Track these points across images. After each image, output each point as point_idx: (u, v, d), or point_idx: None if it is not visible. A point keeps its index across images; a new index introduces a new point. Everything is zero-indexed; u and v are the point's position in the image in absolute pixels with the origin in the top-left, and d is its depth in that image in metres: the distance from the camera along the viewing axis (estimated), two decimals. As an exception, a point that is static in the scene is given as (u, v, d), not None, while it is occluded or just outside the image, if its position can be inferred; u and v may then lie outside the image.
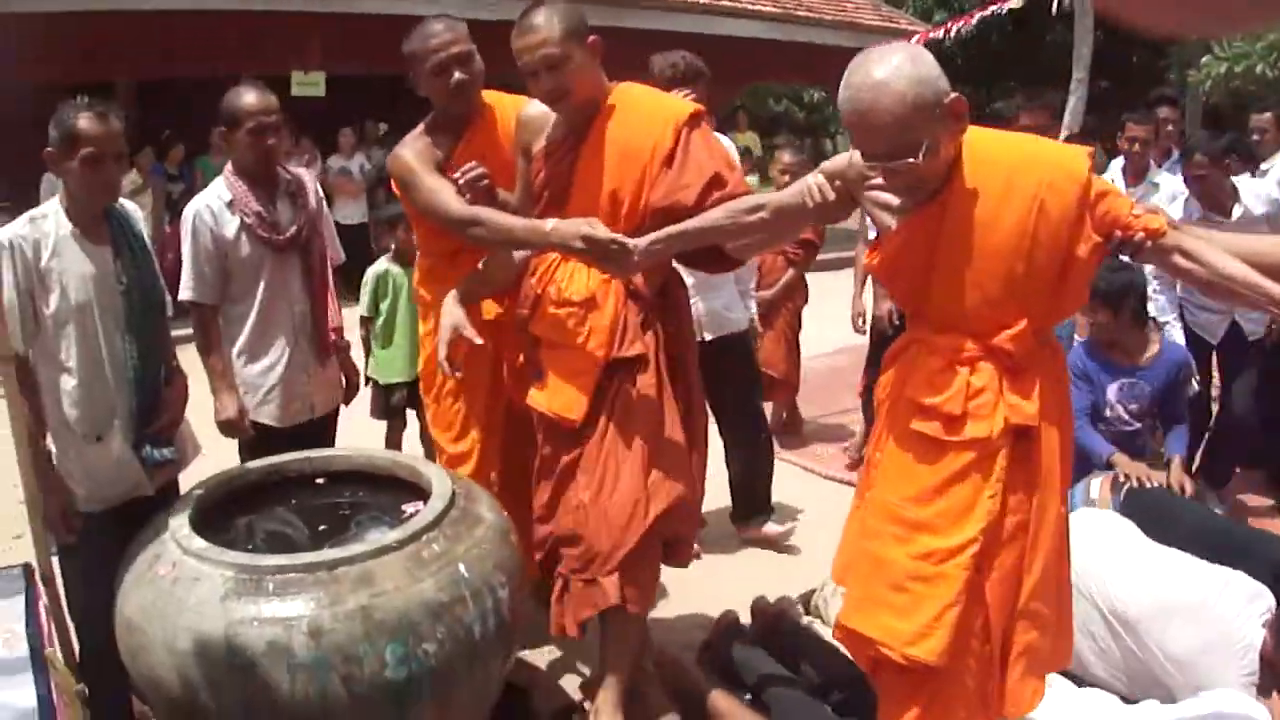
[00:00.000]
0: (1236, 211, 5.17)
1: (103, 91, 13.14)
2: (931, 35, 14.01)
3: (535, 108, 3.36)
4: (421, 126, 3.71)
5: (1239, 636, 3.30)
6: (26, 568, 2.88)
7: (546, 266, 3.34)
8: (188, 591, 2.71)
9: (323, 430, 4.04)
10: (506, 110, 3.68)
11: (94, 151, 3.06)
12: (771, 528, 5.16)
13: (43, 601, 2.82)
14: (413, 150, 3.60)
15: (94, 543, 3.18)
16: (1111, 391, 4.83)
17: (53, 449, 3.21)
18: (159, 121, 12.37)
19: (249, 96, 3.69)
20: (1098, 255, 2.50)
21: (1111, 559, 3.58)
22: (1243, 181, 5.37)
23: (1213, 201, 5.22)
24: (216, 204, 3.73)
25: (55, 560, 3.17)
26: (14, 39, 10.26)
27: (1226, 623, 3.32)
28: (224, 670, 2.60)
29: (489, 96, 3.73)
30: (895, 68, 2.34)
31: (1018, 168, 2.49)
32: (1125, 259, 2.70)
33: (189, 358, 3.63)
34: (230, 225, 3.71)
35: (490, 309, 3.69)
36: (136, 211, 3.45)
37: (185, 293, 3.73)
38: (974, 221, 2.50)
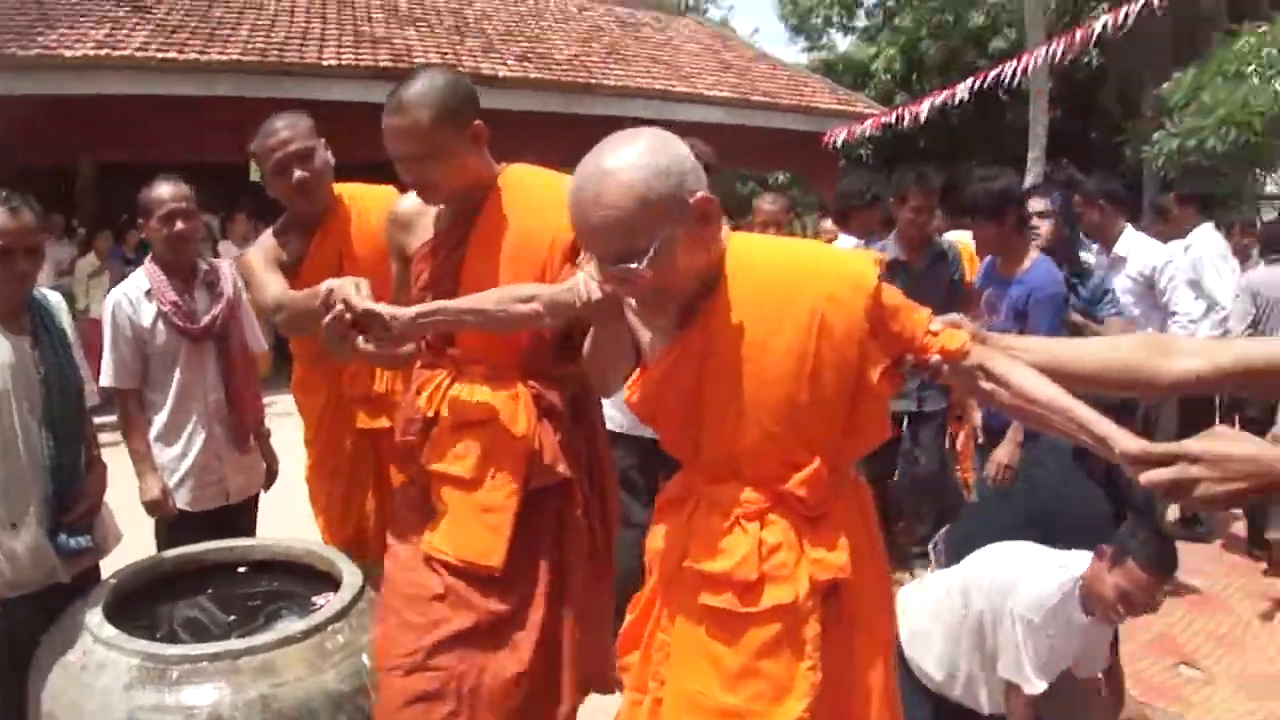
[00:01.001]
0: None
1: (65, 173, 13.37)
2: (885, 119, 14.30)
3: (409, 202, 2.97)
4: (272, 228, 3.69)
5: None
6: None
7: (437, 384, 2.87)
8: (94, 678, 2.75)
9: (240, 515, 4.07)
10: (368, 205, 3.66)
11: (4, 244, 3.11)
12: None
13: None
14: (259, 249, 3.54)
15: (11, 628, 3.19)
16: (983, 298, 5.00)
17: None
18: (119, 205, 12.51)
19: (161, 187, 3.78)
20: (890, 381, 2.16)
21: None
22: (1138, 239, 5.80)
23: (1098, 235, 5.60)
24: (135, 292, 3.82)
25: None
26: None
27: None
28: (124, 759, 2.61)
29: (347, 190, 3.70)
30: (630, 156, 1.98)
31: (793, 278, 2.13)
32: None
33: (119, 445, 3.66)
34: (148, 313, 3.79)
35: (367, 419, 3.66)
36: (59, 303, 3.50)
37: (105, 378, 3.80)
38: (743, 343, 2.11)
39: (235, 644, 2.83)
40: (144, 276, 3.86)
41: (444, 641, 2.68)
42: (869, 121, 14.52)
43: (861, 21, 28.26)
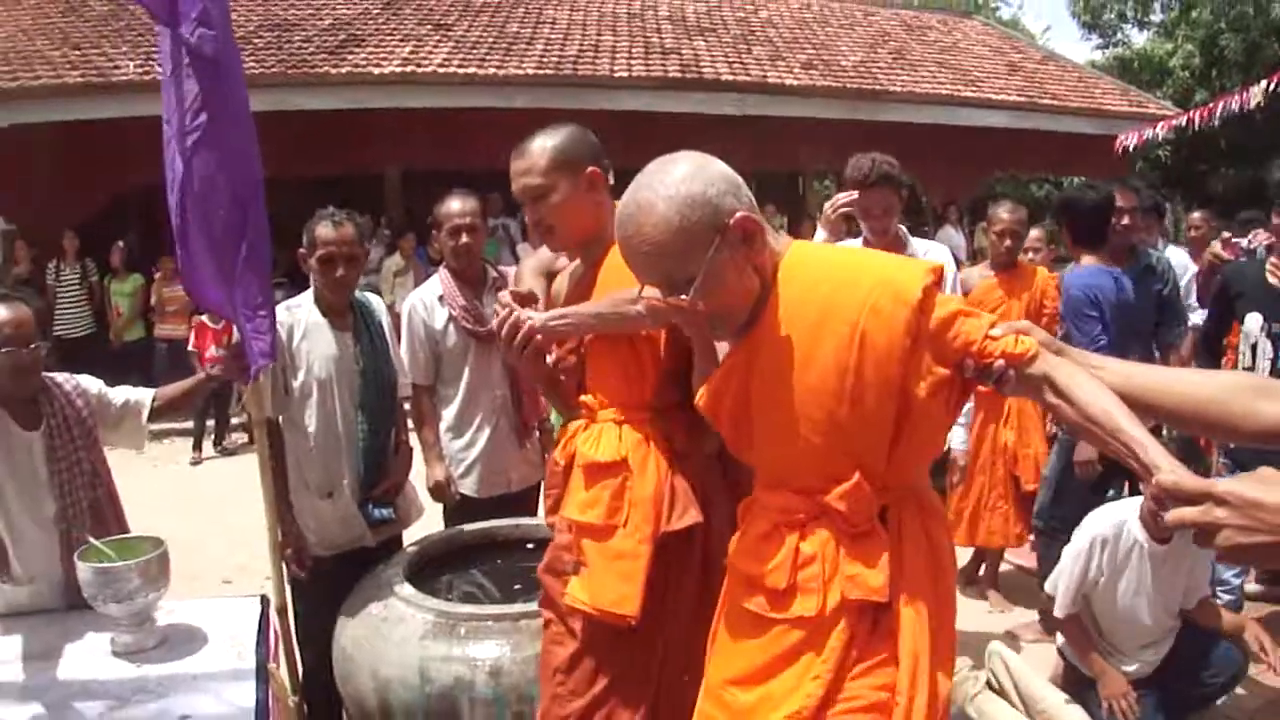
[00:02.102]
0: None
1: (374, 180, 14.41)
2: (1176, 121, 13.69)
3: (536, 258, 3.12)
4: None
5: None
6: (263, 598, 3.36)
7: (572, 432, 2.84)
8: (392, 629, 3.20)
9: (519, 504, 4.38)
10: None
11: (327, 253, 3.66)
12: None
13: (274, 626, 3.31)
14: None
15: (321, 581, 3.71)
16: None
17: (293, 501, 3.75)
18: (424, 209, 13.40)
19: (450, 203, 4.18)
20: (946, 393, 2.02)
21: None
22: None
23: None
24: (430, 297, 4.22)
25: (289, 594, 3.71)
26: (294, 136, 11.29)
27: None
28: (416, 697, 3.06)
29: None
30: (666, 186, 1.97)
31: (836, 289, 2.03)
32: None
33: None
34: (440, 317, 4.18)
35: None
36: (380, 305, 4.03)
37: (403, 374, 4.18)
38: (787, 355, 2.06)
39: (517, 608, 3.22)
40: (438, 282, 4.28)
41: (581, 713, 2.66)
42: (1160, 125, 13.94)
43: (1157, 16, 27.11)
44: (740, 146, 15.82)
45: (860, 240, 4.47)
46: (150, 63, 11.81)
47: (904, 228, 4.57)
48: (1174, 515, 1.49)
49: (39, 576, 3.23)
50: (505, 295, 2.64)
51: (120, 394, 3.47)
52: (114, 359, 11.00)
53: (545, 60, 13.40)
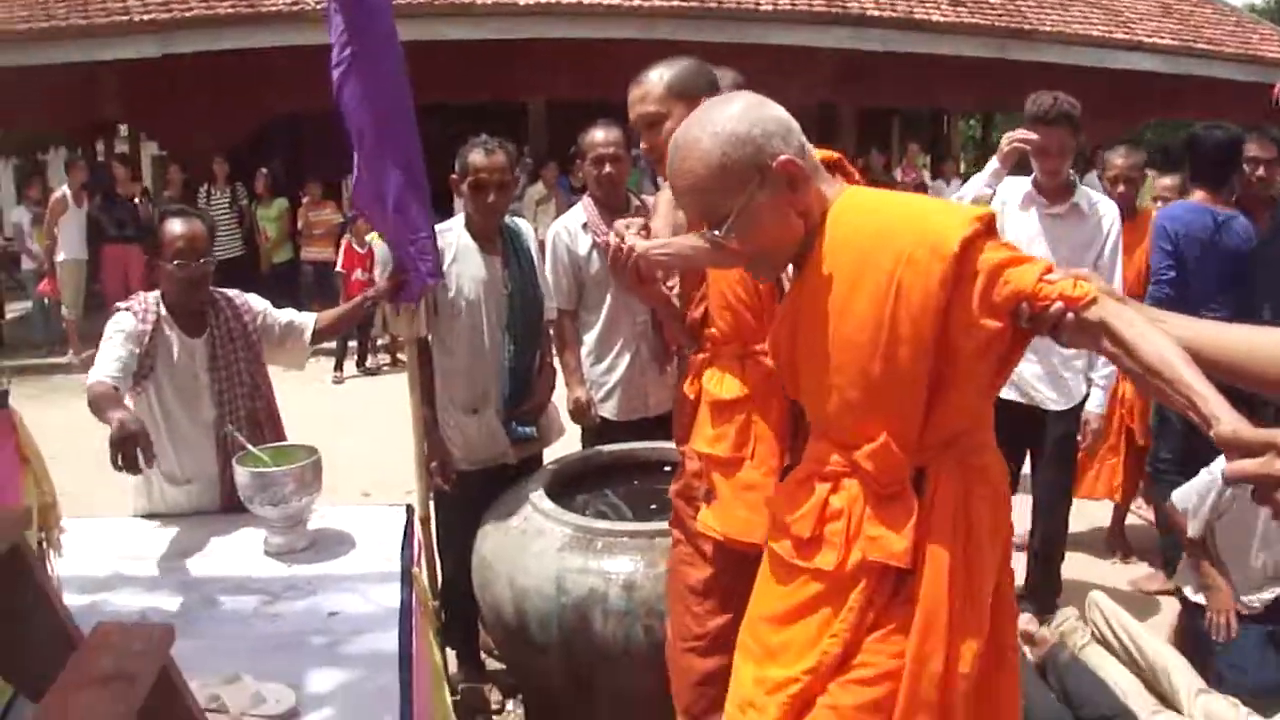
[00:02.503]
0: None
1: (518, 109, 14.53)
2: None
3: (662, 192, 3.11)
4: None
5: None
6: (409, 508, 3.50)
7: (698, 368, 2.89)
8: (531, 542, 3.34)
9: (658, 428, 4.37)
10: None
11: (478, 179, 3.76)
12: None
13: (417, 535, 3.44)
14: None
15: (464, 494, 3.86)
16: None
17: (440, 417, 3.90)
18: (566, 139, 13.53)
19: (595, 133, 4.24)
20: (996, 351, 1.94)
21: None
22: None
23: None
24: (574, 225, 4.31)
25: (433, 505, 3.89)
26: (441, 65, 11.52)
27: None
28: (551, 607, 3.19)
29: None
30: (715, 122, 1.98)
31: (876, 239, 1.97)
32: None
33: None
34: (583, 244, 4.26)
35: None
36: (529, 230, 4.13)
37: (548, 299, 4.26)
38: (827, 307, 2.01)
39: (652, 525, 3.32)
40: (582, 210, 4.35)
41: (719, 632, 2.73)
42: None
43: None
44: (884, 84, 15.76)
45: (1030, 180, 4.38)
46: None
47: (1074, 174, 4.42)
48: (1234, 467, 1.44)
49: (196, 478, 3.43)
50: (620, 224, 2.67)
51: (285, 314, 3.65)
52: (263, 281, 11.36)
53: (690, -9, 13.32)
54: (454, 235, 3.88)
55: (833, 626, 2.06)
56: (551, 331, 4.24)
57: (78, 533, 2.98)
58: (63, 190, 11.30)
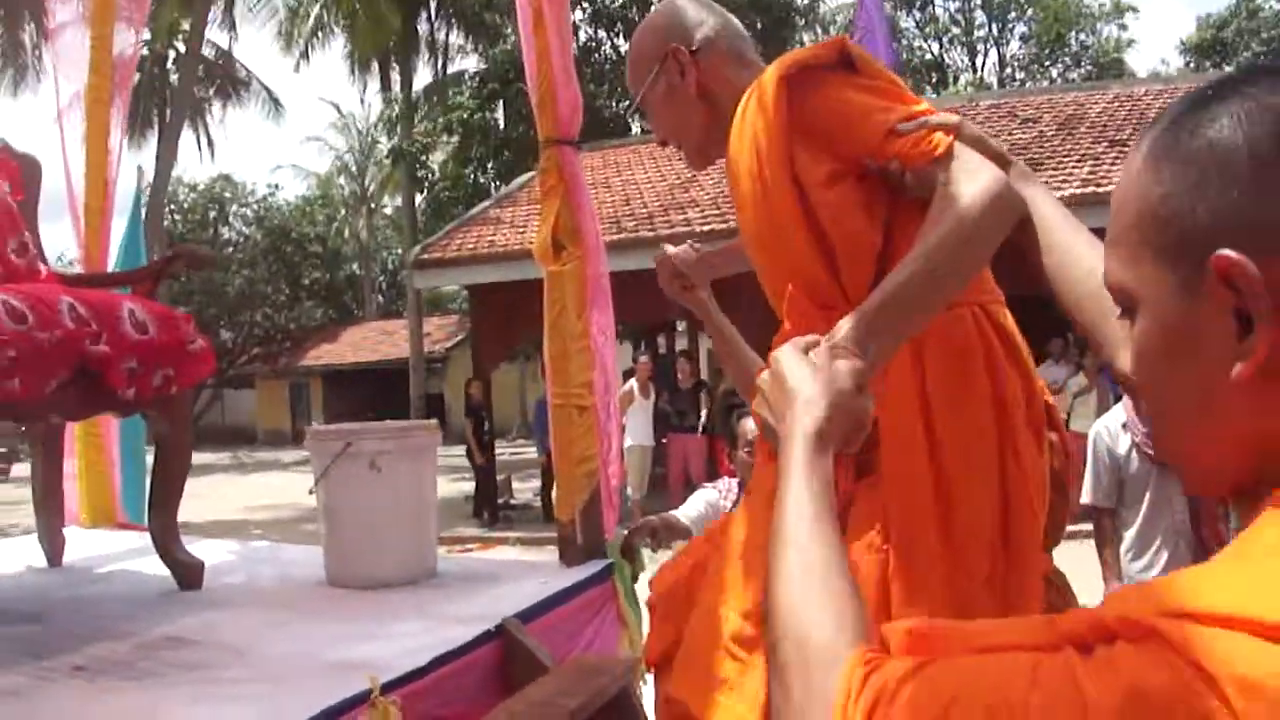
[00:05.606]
0: None
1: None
2: None
3: None
4: None
5: None
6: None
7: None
8: None
9: None
10: None
11: None
12: None
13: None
14: None
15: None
16: None
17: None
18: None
19: None
20: (852, 187, 1.80)
21: None
22: None
23: None
24: (1114, 424, 4.34)
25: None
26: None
27: None
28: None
29: None
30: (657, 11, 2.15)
31: (748, 100, 1.92)
32: None
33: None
34: (1123, 443, 4.28)
35: None
36: None
37: (1085, 496, 4.35)
38: (734, 179, 1.99)
39: None
40: (1121, 410, 4.37)
41: None
42: None
43: None
44: None
45: None
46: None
47: None
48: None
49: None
50: (667, 246, 2.65)
51: None
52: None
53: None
54: None
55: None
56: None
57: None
58: (630, 384, 12.25)
